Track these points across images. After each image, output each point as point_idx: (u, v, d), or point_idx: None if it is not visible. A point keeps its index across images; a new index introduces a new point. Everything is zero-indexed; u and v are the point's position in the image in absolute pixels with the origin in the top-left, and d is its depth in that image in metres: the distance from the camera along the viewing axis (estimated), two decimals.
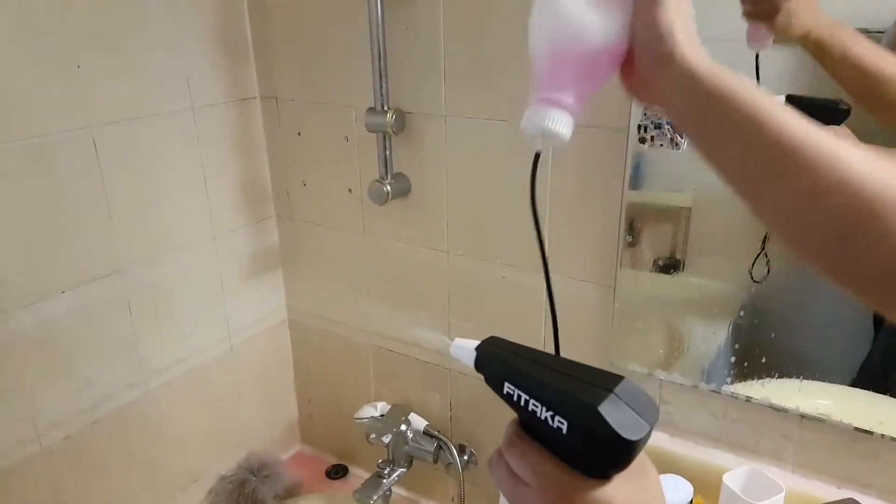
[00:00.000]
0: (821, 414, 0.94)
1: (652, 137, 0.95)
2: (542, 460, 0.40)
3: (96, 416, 1.19)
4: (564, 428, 0.39)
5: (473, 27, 1.06)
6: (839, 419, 0.93)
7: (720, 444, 1.05)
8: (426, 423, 1.34)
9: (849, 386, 0.94)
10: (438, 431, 1.32)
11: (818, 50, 0.76)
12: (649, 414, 0.39)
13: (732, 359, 1.00)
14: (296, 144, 1.36)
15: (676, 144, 0.93)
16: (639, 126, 0.95)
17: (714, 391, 1.02)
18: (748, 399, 0.99)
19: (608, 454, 0.39)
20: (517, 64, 1.03)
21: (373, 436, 1.31)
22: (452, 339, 0.46)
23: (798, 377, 0.96)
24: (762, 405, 0.98)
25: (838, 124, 0.84)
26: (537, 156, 0.48)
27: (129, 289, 1.20)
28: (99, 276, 1.15)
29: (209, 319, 1.38)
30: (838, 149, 0.38)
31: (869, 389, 0.93)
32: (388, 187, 1.18)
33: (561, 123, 0.46)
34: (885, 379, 0.92)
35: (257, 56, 1.34)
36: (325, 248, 1.41)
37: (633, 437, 0.38)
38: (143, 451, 1.29)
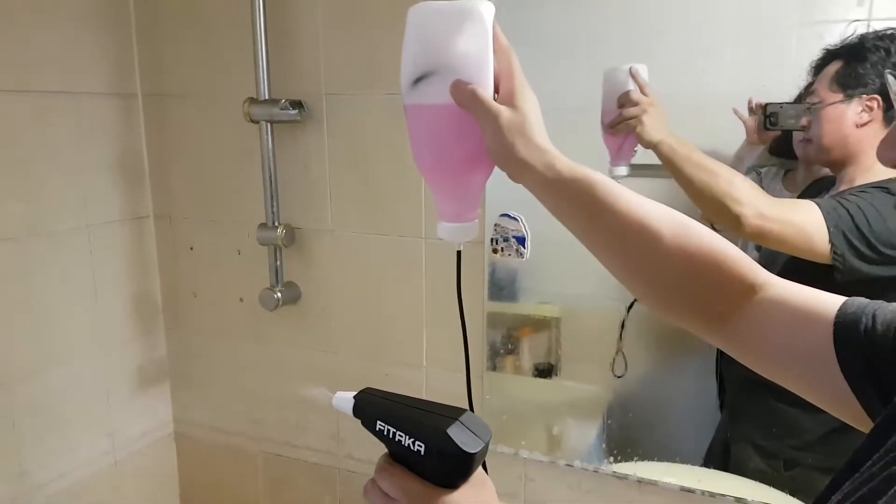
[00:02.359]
0: (653, 478, 1.10)
1: (502, 248, 1.14)
2: (407, 479, 0.53)
3: None
4: (423, 450, 0.52)
5: (355, 158, 1.24)
6: (668, 481, 1.09)
7: None
8: None
9: (702, 466, 1.10)
10: None
11: (670, 153, 0.98)
12: (484, 434, 0.53)
13: (603, 445, 1.15)
14: (188, 258, 1.45)
15: (521, 254, 1.13)
16: (491, 239, 1.14)
17: (568, 465, 1.17)
18: (595, 470, 1.14)
19: (455, 467, 0.52)
20: (395, 186, 1.22)
21: None
22: (334, 394, 0.58)
23: (661, 461, 1.11)
24: (607, 475, 1.14)
25: None
26: (458, 254, 0.65)
27: (14, 401, 1.20)
28: None
29: (94, 433, 1.37)
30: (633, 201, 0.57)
31: (713, 467, 1.09)
32: (279, 294, 1.29)
33: (450, 233, 0.64)
34: (725, 455, 1.10)
35: (153, 178, 1.44)
36: (215, 356, 1.47)
37: (472, 451, 0.51)
38: None
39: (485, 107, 0.58)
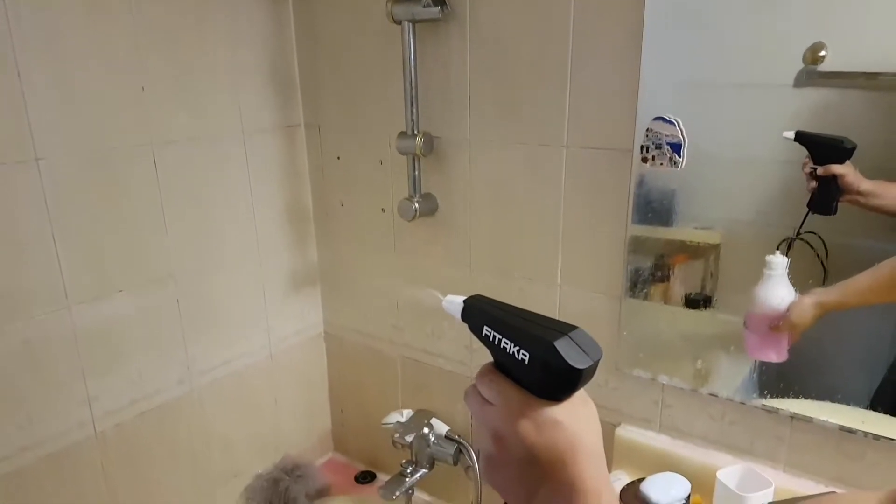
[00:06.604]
0: (808, 415, 1.00)
1: (653, 157, 1.04)
2: (506, 385, 0.51)
3: (146, 407, 1.30)
4: (527, 359, 0.49)
5: (496, 61, 1.19)
6: (825, 419, 0.99)
7: (718, 446, 1.11)
8: (448, 427, 1.42)
9: (867, 409, 0.98)
10: (459, 436, 1.40)
11: (839, 307, 0.95)
12: (594, 353, 0.49)
13: (755, 381, 1.06)
14: (335, 168, 1.50)
15: (675, 163, 1.03)
16: (641, 146, 1.05)
17: (712, 395, 1.09)
18: (743, 402, 1.06)
19: (559, 380, 0.49)
20: (534, 94, 1.15)
21: (396, 435, 1.40)
22: (445, 296, 0.57)
23: (819, 399, 1.01)
24: (755, 408, 1.05)
25: (842, 162, 0.92)
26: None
27: (181, 294, 1.33)
28: (153, 279, 1.28)
29: (252, 328, 1.50)
30: None
31: (881, 411, 0.97)
32: (417, 205, 1.29)
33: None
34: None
35: (303, 87, 1.49)
36: (359, 264, 1.53)
37: (580, 367, 0.48)
38: (186, 445, 1.40)
39: None
